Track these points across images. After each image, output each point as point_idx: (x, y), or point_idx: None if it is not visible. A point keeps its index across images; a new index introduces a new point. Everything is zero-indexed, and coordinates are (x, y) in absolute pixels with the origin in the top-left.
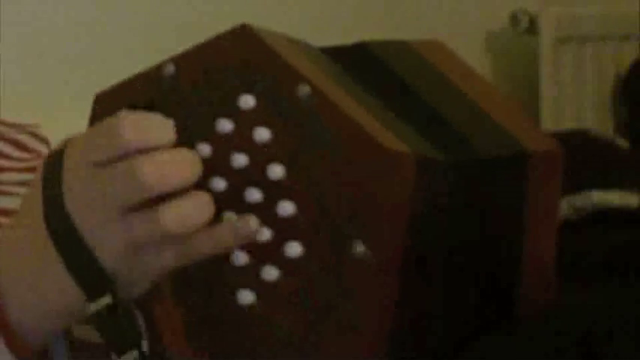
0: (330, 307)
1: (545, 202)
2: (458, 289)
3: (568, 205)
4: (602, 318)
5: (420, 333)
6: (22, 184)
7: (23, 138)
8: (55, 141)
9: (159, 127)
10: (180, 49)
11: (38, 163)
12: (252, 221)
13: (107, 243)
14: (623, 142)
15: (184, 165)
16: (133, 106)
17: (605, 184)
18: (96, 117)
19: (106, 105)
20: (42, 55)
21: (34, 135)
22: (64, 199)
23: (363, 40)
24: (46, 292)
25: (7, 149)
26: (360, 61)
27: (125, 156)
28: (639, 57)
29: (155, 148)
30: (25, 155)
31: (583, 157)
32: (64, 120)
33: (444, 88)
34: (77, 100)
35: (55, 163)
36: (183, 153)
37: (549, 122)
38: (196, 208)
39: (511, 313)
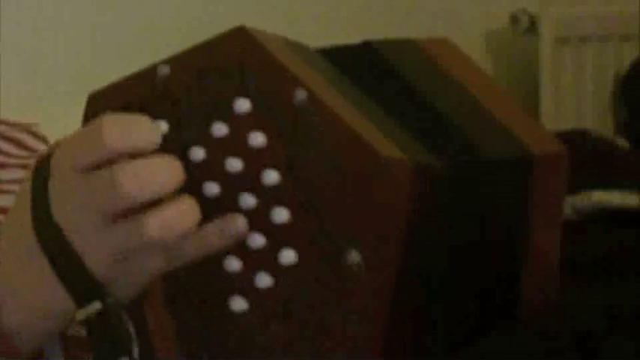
0: (323, 315)
1: (549, 204)
2: (459, 290)
3: (568, 205)
4: (601, 318)
5: (419, 334)
6: (21, 181)
7: (23, 136)
8: (55, 140)
9: (143, 131)
10: (179, 49)
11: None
12: (240, 221)
13: (95, 250)
14: (623, 142)
15: (164, 172)
16: (126, 107)
17: (605, 184)
18: (88, 117)
19: (98, 105)
20: (42, 55)
21: (34, 134)
22: (51, 206)
23: (368, 39)
24: (37, 297)
25: (7, 147)
26: (364, 61)
27: (109, 160)
28: (639, 57)
29: (139, 153)
30: (24, 153)
31: (583, 157)
32: (64, 120)
33: (449, 88)
34: (77, 100)
35: (42, 168)
36: (164, 160)
37: (549, 122)
38: (180, 213)
39: (513, 313)
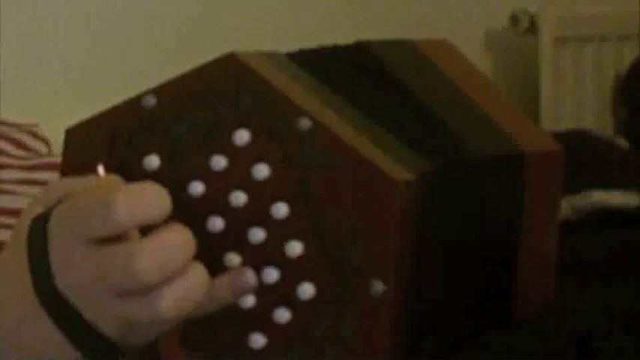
0: (344, 342)
1: (544, 202)
2: (456, 290)
3: (568, 205)
4: (601, 318)
5: (419, 334)
6: (21, 182)
7: (23, 137)
8: (55, 141)
9: (154, 203)
10: (179, 49)
11: (37, 162)
12: (249, 274)
13: (105, 318)
14: (623, 142)
15: (183, 249)
16: (111, 142)
17: (605, 184)
18: (69, 154)
19: (79, 141)
20: (42, 55)
21: (34, 134)
22: (54, 277)
23: (363, 40)
24: (45, 354)
25: (7, 147)
26: (357, 62)
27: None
28: (639, 57)
29: (151, 223)
30: (24, 153)
31: (583, 157)
32: (64, 120)
33: (445, 88)
34: (77, 100)
35: (38, 232)
36: (182, 234)
37: (549, 122)
38: (193, 288)
39: (510, 313)
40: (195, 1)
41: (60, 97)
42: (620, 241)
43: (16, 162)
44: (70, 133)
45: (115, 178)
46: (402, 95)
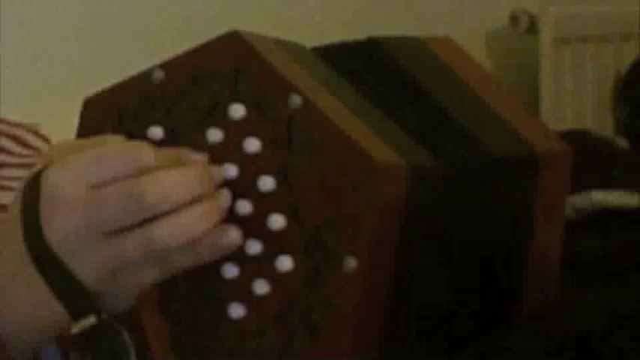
0: (317, 320)
1: (552, 203)
2: (458, 289)
3: (568, 205)
4: (601, 318)
5: (419, 333)
6: (22, 180)
7: (24, 135)
8: (56, 141)
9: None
10: (179, 49)
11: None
12: (232, 232)
13: (91, 265)
14: (623, 142)
15: (190, 184)
16: (120, 113)
17: (605, 184)
18: (84, 122)
19: (94, 110)
20: (42, 55)
21: (36, 133)
22: (42, 226)
23: (375, 36)
24: (31, 310)
25: (8, 145)
26: (369, 57)
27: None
28: (639, 57)
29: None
30: (25, 151)
31: (583, 157)
32: (64, 120)
33: (455, 86)
34: (77, 100)
35: (33, 186)
36: (196, 169)
37: (549, 122)
38: (192, 224)
39: (511, 313)
40: (196, 2)
41: (60, 97)
42: (620, 241)
43: (17, 160)
44: (87, 103)
45: (124, 139)
46: (415, 93)
